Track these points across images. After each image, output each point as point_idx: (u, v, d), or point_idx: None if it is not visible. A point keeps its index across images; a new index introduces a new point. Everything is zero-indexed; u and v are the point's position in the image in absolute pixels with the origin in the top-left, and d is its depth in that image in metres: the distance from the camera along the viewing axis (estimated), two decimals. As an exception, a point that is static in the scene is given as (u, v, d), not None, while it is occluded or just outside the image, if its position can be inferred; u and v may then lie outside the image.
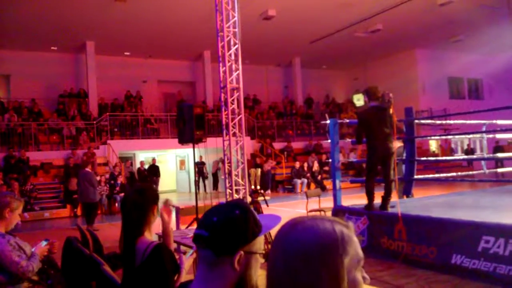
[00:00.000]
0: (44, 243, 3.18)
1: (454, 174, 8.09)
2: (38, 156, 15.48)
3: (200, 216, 7.65)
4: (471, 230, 4.84)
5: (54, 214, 13.39)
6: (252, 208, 1.21)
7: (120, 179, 14.55)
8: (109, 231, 9.75)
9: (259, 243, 1.19)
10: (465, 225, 4.96)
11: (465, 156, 17.90)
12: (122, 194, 13.93)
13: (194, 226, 7.66)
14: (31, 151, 15.57)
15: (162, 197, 2.56)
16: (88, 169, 10.95)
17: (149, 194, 2.39)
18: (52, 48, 18.14)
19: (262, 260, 1.21)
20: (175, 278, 2.33)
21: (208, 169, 18.20)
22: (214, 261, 1.13)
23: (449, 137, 19.52)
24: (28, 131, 16.03)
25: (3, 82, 18.57)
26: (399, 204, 5.75)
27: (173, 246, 2.70)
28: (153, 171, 17.67)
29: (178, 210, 8.31)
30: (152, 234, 2.41)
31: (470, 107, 20.30)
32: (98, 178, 12.49)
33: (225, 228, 1.12)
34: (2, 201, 3.00)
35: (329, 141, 7.29)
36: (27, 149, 15.36)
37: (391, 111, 5.91)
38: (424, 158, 9.42)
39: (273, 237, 0.98)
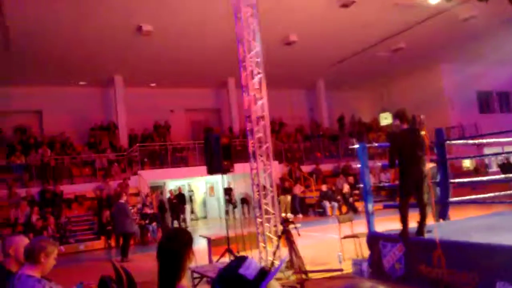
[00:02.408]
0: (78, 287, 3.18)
1: (492, 194, 7.79)
2: (71, 189, 15.85)
3: (231, 247, 7.58)
4: (514, 255, 4.61)
5: (89, 246, 13.60)
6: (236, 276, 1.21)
7: (151, 209, 14.67)
8: (143, 262, 9.79)
9: None
10: (508, 250, 4.74)
11: (502, 176, 17.28)
12: (154, 224, 14.05)
13: (226, 258, 7.59)
14: (65, 184, 15.95)
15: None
16: (122, 199, 11.15)
17: (182, 239, 2.29)
18: (81, 83, 18.73)
19: None
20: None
21: (237, 196, 18.16)
22: None
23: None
24: (61, 165, 16.46)
25: (36, 117, 19.21)
26: (436, 229, 5.56)
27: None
28: (180, 199, 17.82)
29: (210, 241, 8.28)
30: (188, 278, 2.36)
31: (501, 120, 19.74)
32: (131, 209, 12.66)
33: None
34: (38, 246, 3.00)
35: (359, 166, 7.18)
36: (61, 183, 15.73)
37: (423, 132, 5.81)
38: (459, 180, 9.15)
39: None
